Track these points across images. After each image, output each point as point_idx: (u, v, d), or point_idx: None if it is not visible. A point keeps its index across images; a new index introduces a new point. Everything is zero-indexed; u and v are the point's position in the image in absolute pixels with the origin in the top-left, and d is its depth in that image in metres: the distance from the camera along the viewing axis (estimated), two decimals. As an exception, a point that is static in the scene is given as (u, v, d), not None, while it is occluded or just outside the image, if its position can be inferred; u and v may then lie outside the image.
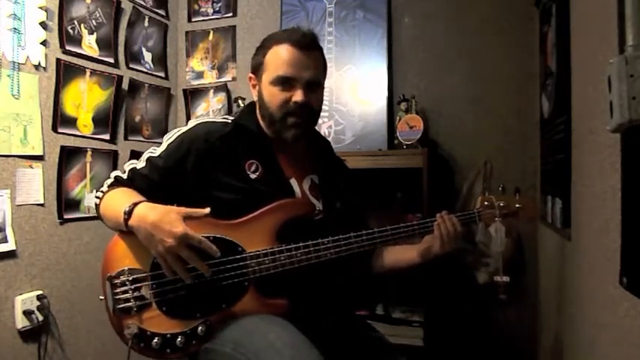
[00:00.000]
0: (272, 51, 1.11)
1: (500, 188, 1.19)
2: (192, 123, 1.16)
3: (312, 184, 1.19)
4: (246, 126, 1.14)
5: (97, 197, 1.13)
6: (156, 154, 1.12)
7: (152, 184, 1.10)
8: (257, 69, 1.14)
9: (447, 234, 1.10)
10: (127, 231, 1.01)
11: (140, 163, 1.13)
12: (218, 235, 1.03)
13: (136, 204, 1.00)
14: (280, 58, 1.09)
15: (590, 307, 0.99)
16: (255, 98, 1.17)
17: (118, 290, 1.02)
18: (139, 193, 1.09)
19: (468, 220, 1.15)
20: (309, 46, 1.10)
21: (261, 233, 1.05)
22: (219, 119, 1.17)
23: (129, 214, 0.99)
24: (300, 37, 1.09)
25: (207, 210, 0.99)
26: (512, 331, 1.88)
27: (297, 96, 1.08)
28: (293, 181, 1.15)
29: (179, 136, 1.13)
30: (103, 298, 1.03)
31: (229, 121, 1.16)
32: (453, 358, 1.87)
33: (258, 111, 1.18)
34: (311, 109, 1.12)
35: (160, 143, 1.15)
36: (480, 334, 1.88)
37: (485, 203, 1.16)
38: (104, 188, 1.13)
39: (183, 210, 0.98)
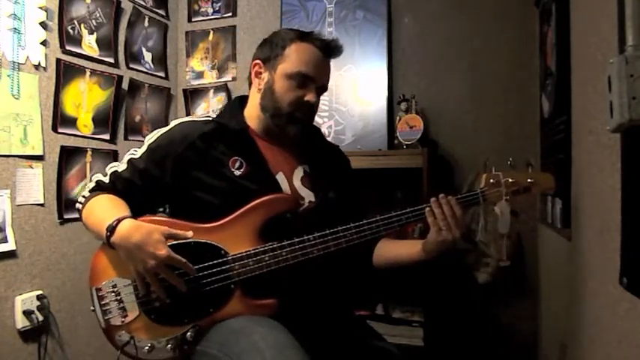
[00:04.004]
0: (296, 46, 1.11)
1: (508, 162, 1.06)
2: (172, 123, 1.15)
3: (305, 174, 1.16)
4: (226, 124, 1.13)
5: (79, 202, 1.12)
6: (137, 156, 1.11)
7: (134, 188, 1.09)
8: (270, 58, 1.13)
9: (442, 219, 0.99)
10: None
11: (122, 165, 1.12)
12: (199, 240, 1.02)
13: (119, 220, 0.98)
14: (305, 55, 1.10)
15: (590, 307, 0.99)
16: (257, 87, 1.15)
17: (105, 302, 1.03)
18: (122, 196, 1.09)
19: (471, 203, 1.03)
20: (330, 54, 1.14)
21: (244, 234, 1.03)
22: (200, 118, 1.18)
23: (112, 230, 0.98)
24: (326, 43, 1.13)
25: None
26: (512, 331, 1.88)
27: (311, 97, 1.10)
28: (281, 175, 1.12)
29: (159, 137, 1.12)
30: (93, 309, 1.04)
31: (210, 119, 1.16)
32: (453, 358, 1.87)
33: (254, 101, 1.16)
34: (315, 111, 1.15)
35: None
36: (480, 334, 1.88)
37: (491, 181, 1.03)
38: (86, 193, 1.12)
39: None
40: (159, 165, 1.09)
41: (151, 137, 1.13)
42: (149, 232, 0.96)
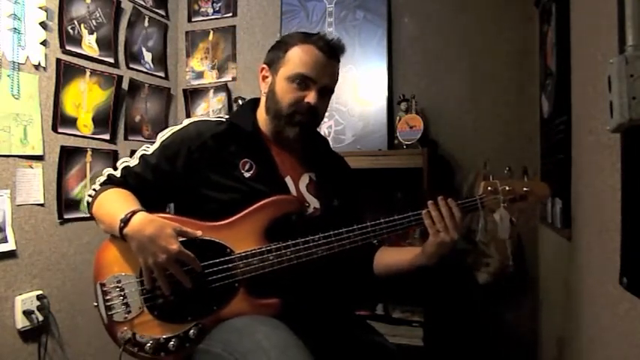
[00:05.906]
0: (297, 48, 1.11)
1: (506, 170, 1.08)
2: (186, 122, 1.17)
3: (310, 181, 1.18)
4: (239, 125, 1.15)
5: (89, 196, 1.13)
6: (149, 152, 1.12)
7: (145, 183, 1.11)
8: (274, 62, 1.15)
9: (439, 221, 1.01)
10: (118, 236, 1.01)
11: (133, 161, 1.13)
12: (206, 238, 1.03)
13: (134, 212, 0.99)
14: (304, 57, 1.10)
15: (590, 307, 0.99)
16: (263, 90, 1.17)
17: (109, 297, 1.03)
18: (132, 191, 1.10)
19: (470, 209, 1.05)
20: (333, 53, 1.13)
21: (249, 233, 1.04)
22: (213, 118, 1.19)
23: (125, 222, 0.98)
24: (327, 42, 1.12)
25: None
26: (512, 331, 1.88)
27: (312, 98, 1.09)
28: (288, 180, 1.14)
29: (172, 134, 1.14)
30: (96, 304, 1.04)
31: (224, 119, 1.17)
32: (453, 358, 1.87)
33: (263, 104, 1.18)
34: (318, 113, 1.14)
35: None
36: (479, 334, 1.88)
37: (489, 188, 1.05)
38: (96, 187, 1.14)
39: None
40: (170, 161, 1.10)
41: (164, 134, 1.15)
42: (162, 226, 0.98)
